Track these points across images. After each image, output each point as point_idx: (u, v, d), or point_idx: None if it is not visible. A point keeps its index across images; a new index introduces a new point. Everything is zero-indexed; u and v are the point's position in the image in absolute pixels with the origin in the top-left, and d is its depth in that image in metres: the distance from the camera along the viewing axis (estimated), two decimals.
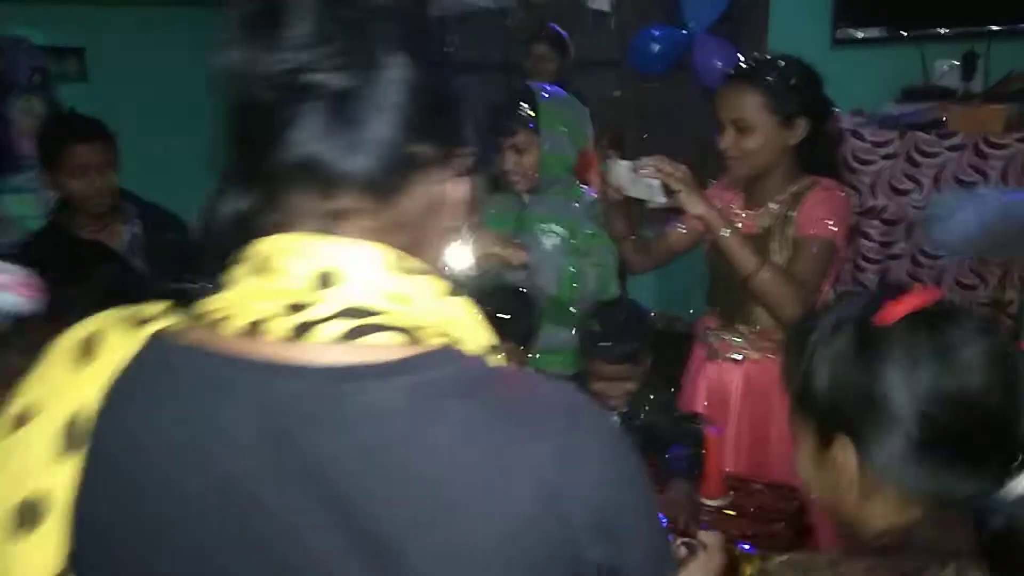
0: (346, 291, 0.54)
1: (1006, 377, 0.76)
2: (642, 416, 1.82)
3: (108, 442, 0.55)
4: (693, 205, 1.64)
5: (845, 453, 0.78)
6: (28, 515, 0.55)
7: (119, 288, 1.34)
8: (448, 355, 0.56)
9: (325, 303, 0.54)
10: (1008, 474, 0.74)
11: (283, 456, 0.52)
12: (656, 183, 1.68)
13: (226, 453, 0.53)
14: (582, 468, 0.54)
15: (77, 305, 0.68)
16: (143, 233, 2.39)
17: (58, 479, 0.55)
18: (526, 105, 2.03)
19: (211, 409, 0.54)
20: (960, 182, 2.73)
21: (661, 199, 1.70)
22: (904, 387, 0.75)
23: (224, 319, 0.55)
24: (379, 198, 0.56)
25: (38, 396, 0.57)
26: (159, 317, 0.59)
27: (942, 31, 3.02)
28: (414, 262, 0.57)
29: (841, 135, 2.57)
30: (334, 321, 0.54)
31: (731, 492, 1.67)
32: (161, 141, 3.83)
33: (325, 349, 0.54)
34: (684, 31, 3.53)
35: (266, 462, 0.52)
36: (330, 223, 0.56)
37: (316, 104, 0.54)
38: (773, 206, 1.77)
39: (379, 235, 0.57)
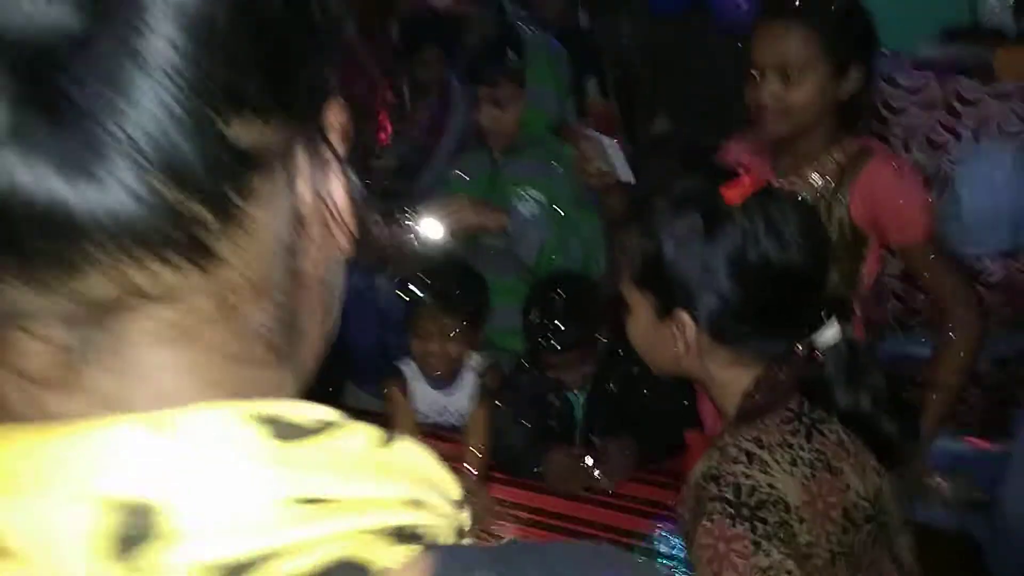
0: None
1: (816, 247, 0.92)
2: (608, 393, 1.71)
3: None
4: None
5: (684, 323, 0.90)
6: None
7: None
8: None
9: None
10: (816, 329, 0.90)
11: None
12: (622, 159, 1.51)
13: None
14: None
15: None
16: None
17: None
18: (512, 51, 1.79)
19: None
20: (1006, 134, 2.44)
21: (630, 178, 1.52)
22: (737, 260, 0.88)
23: None
24: (185, 252, 0.28)
25: None
26: None
27: None
28: (305, 415, 0.29)
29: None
30: None
31: None
32: None
33: None
34: None
35: None
36: (96, 356, 0.28)
37: None
38: (815, 177, 1.47)
39: (203, 340, 0.30)
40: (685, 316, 0.90)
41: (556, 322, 1.62)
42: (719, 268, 0.88)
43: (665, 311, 0.92)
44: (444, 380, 1.85)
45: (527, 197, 1.86)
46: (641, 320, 0.95)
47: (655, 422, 1.61)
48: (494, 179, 1.87)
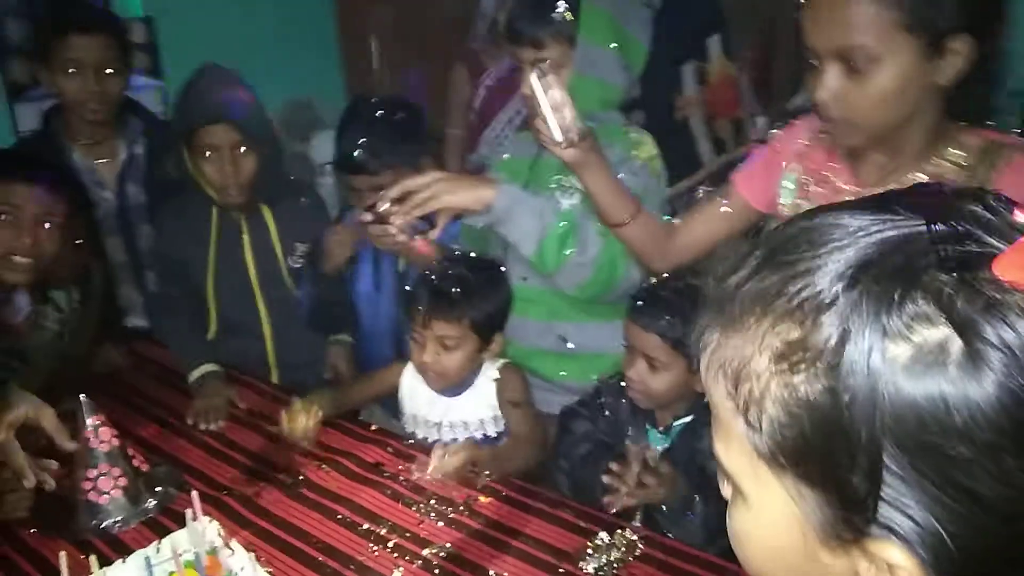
0: None
1: None
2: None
3: None
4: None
5: (894, 565, 0.45)
6: None
7: None
8: None
9: None
10: None
11: None
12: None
13: None
14: None
15: None
16: (146, 155, 2.08)
17: None
18: (563, 2, 1.43)
19: None
20: None
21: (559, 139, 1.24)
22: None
23: None
24: None
25: None
26: None
27: None
28: None
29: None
30: None
31: None
32: None
33: None
34: None
35: None
36: None
37: None
38: None
39: None
40: (895, 551, 0.43)
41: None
42: (984, 458, 0.40)
43: (849, 531, 0.44)
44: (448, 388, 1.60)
45: (570, 188, 1.52)
46: (770, 520, 0.48)
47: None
48: (536, 164, 1.54)
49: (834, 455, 0.42)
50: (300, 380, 1.98)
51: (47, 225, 1.59)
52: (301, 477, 1.52)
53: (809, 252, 0.44)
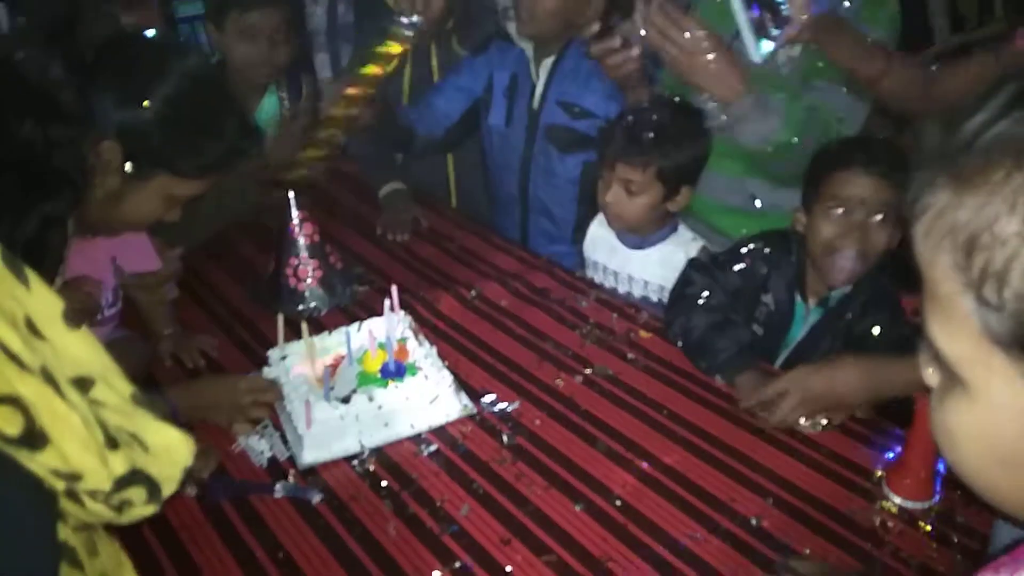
0: None
1: None
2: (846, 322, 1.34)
3: None
4: None
5: None
6: None
7: None
8: None
9: None
10: None
11: None
12: None
13: None
14: None
15: None
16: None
17: None
18: None
19: None
20: None
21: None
22: None
23: None
24: None
25: None
26: None
27: None
28: None
29: None
30: None
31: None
32: None
33: None
34: None
35: None
36: None
37: None
38: None
39: None
40: None
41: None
42: None
43: None
44: (633, 236, 1.62)
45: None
46: (999, 414, 0.42)
47: None
48: None
49: None
50: (474, 205, 2.09)
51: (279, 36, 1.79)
52: (474, 291, 1.64)
53: None
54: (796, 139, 1.40)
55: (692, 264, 1.48)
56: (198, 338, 1.50)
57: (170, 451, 0.57)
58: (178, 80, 1.05)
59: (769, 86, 1.41)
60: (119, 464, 0.52)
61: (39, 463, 0.50)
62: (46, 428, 0.49)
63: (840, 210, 1.30)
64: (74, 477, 0.51)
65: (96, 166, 0.99)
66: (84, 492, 0.52)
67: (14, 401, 0.48)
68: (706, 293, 1.41)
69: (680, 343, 1.41)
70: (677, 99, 1.51)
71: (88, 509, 0.53)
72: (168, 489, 0.57)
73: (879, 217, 1.28)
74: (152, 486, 0.55)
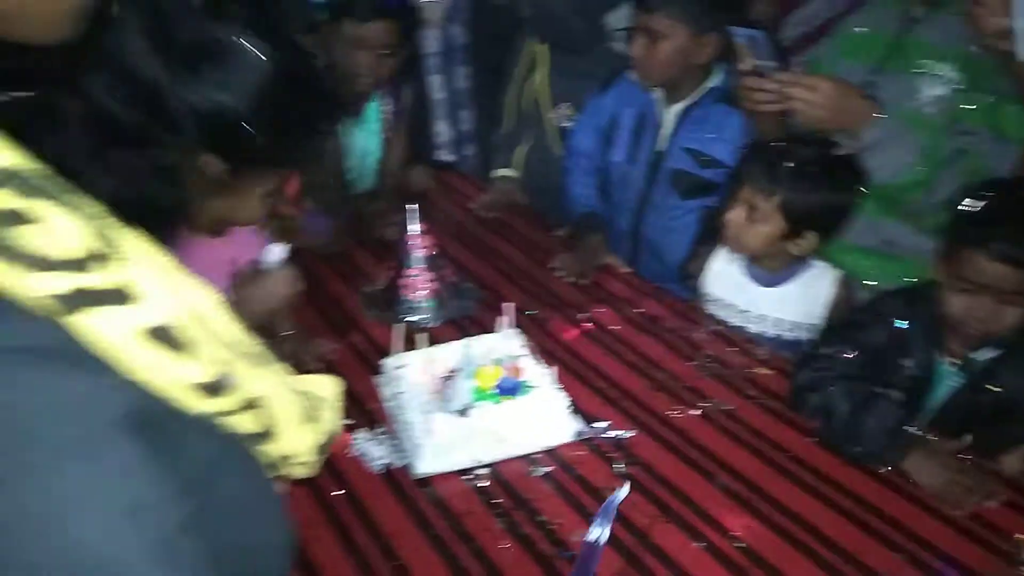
0: None
1: None
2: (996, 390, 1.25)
3: None
4: None
5: None
6: None
7: None
8: None
9: None
10: None
11: None
12: None
13: None
14: None
15: None
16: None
17: None
18: None
19: None
20: None
21: None
22: None
23: None
24: None
25: None
26: None
27: None
28: None
29: None
30: None
31: None
32: None
33: None
34: None
35: None
36: None
37: None
38: None
39: None
40: None
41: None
42: None
43: None
44: (763, 272, 1.57)
45: (942, 76, 1.39)
46: None
47: None
48: (899, 44, 1.42)
49: None
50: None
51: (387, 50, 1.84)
52: (586, 315, 1.63)
53: None
54: (929, 175, 1.35)
55: (828, 327, 1.44)
56: (319, 342, 1.53)
57: (329, 396, 0.60)
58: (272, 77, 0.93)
59: (910, 122, 1.36)
60: (317, 434, 0.55)
61: (265, 452, 0.51)
62: (276, 422, 0.50)
63: (967, 287, 1.21)
64: (291, 457, 0.53)
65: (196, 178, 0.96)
66: (296, 465, 0.54)
67: (252, 405, 0.49)
68: (843, 357, 1.31)
69: (819, 423, 1.28)
70: (824, 139, 1.46)
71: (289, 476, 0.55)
72: (336, 430, 0.61)
73: (1009, 299, 1.18)
74: (331, 439, 0.59)
